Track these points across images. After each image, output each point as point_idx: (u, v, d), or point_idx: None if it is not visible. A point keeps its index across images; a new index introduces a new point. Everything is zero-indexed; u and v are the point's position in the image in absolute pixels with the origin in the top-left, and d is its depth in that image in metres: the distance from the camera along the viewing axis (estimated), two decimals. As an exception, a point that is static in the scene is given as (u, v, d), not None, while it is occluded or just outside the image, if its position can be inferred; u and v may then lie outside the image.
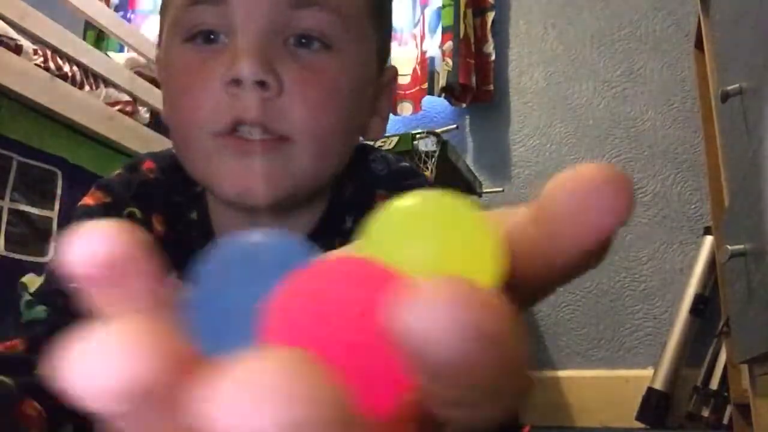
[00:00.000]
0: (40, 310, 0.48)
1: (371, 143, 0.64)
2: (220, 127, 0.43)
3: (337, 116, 0.45)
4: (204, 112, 0.44)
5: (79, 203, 0.52)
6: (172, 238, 0.49)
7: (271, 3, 0.43)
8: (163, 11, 0.49)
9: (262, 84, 0.42)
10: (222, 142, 0.44)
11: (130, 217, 0.50)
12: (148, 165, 0.53)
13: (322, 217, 0.50)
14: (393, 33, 0.88)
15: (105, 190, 0.51)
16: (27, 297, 0.49)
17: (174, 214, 0.51)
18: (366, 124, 0.51)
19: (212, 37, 0.44)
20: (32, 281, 0.50)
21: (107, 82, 2.01)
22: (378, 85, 0.51)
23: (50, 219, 1.77)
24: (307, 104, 0.43)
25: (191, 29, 0.44)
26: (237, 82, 0.42)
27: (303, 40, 0.44)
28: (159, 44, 0.50)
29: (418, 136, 1.47)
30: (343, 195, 0.51)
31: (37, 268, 1.70)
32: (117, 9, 2.58)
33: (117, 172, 0.54)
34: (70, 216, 0.53)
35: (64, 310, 0.46)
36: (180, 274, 0.39)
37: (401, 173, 0.53)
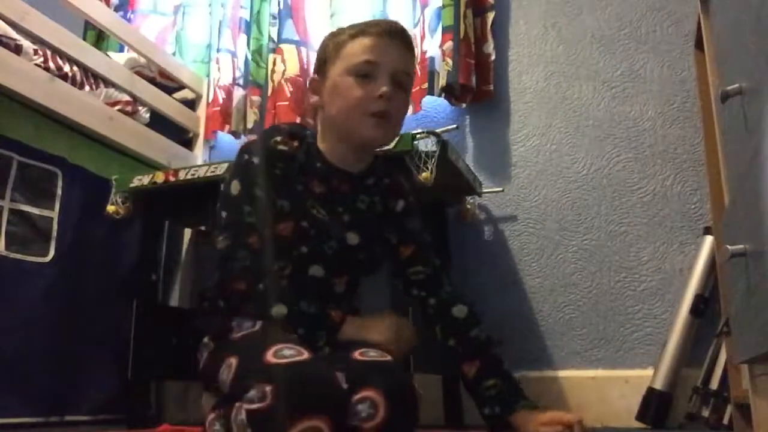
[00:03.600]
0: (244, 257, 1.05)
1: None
2: (374, 111, 1.09)
3: (404, 116, 1.17)
4: (367, 104, 1.09)
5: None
6: (300, 150, 1.15)
7: (393, 73, 1.12)
8: (335, 57, 1.14)
9: (390, 98, 1.09)
10: (373, 119, 1.09)
11: (284, 143, 1.14)
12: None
13: (368, 168, 1.21)
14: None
15: (282, 134, 1.15)
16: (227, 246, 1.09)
17: (300, 139, 1.15)
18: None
19: (367, 77, 1.11)
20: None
21: (107, 82, 2.02)
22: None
23: (50, 219, 1.77)
24: (399, 108, 1.13)
25: (359, 72, 1.11)
26: (382, 95, 1.09)
27: (398, 86, 1.12)
28: (319, 72, 1.17)
29: (418, 136, 1.47)
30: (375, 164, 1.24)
31: (38, 269, 1.70)
32: (117, 9, 2.58)
33: (286, 125, 1.20)
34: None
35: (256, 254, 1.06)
36: (303, 171, 1.15)
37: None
